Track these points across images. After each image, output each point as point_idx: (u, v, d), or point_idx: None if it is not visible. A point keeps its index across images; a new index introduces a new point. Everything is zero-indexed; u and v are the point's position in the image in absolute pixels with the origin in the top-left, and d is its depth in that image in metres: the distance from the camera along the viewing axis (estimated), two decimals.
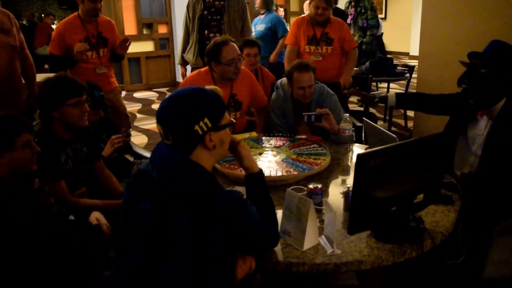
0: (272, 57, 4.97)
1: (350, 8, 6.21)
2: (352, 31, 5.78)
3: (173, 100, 1.35)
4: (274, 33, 5.02)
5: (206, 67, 2.87)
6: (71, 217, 1.91)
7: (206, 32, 3.96)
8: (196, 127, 1.31)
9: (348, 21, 6.10)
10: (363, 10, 5.98)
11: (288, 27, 4.87)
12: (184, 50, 4.19)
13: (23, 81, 3.01)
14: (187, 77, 3.08)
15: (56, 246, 1.68)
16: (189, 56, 4.06)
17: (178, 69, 8.09)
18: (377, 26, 6.15)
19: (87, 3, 3.24)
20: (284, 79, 2.89)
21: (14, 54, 2.77)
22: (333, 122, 2.57)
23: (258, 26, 5.14)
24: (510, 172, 2.11)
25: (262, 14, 5.21)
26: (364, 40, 5.89)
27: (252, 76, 3.05)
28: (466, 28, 3.64)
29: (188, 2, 4.06)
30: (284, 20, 5.26)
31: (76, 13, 3.37)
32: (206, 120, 1.32)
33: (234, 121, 1.70)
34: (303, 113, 2.61)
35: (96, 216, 1.93)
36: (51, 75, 4.72)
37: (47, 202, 1.82)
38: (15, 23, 2.79)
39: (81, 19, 3.31)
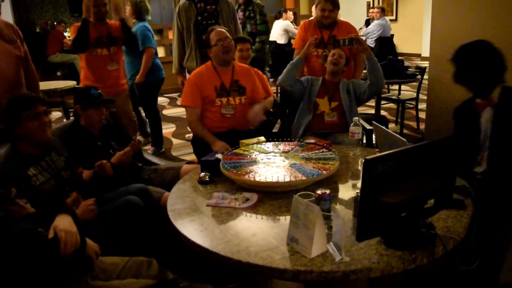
0: (138, 77, 4.39)
1: (238, 11, 5.34)
2: None
3: None
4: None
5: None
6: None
7: (204, 37, 3.98)
8: None
9: None
10: (252, 15, 5.28)
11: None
12: (181, 58, 4.20)
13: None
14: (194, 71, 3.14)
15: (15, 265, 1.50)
16: (191, 63, 4.07)
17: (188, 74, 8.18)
18: (266, 32, 5.42)
19: (92, 8, 3.64)
20: None
21: (19, 64, 2.83)
22: (363, 43, 3.18)
23: None
24: None
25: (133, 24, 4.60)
26: (253, 47, 4.85)
27: (253, 72, 3.22)
28: (476, 28, 3.58)
29: (178, 11, 4.07)
30: (150, 33, 4.50)
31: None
32: None
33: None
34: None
35: (56, 226, 1.58)
36: (64, 82, 4.79)
37: (19, 215, 1.70)
38: (18, 35, 2.86)
39: (93, 24, 3.71)
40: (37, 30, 10.05)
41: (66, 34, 8.76)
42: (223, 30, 3.01)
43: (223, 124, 2.98)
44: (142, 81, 4.39)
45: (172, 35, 4.44)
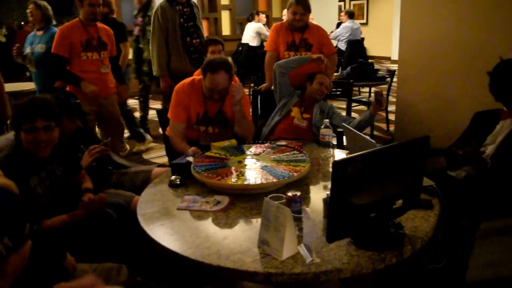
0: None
1: (137, 17, 5.10)
2: (141, 45, 5.01)
3: None
4: None
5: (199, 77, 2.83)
6: None
7: (188, 39, 4.08)
8: None
9: (136, 32, 5.07)
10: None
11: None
12: (164, 59, 4.12)
13: None
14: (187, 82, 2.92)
15: None
16: (180, 65, 4.07)
17: None
18: None
19: (86, 7, 3.43)
20: None
21: None
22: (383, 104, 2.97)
23: (36, 46, 3.99)
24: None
25: (39, 30, 4.07)
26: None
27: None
28: (443, 32, 3.68)
29: (161, 11, 4.03)
30: None
31: (77, 18, 3.54)
32: None
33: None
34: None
35: None
36: (32, 84, 4.51)
37: None
38: None
39: (82, 23, 3.49)
40: (4, 31, 9.77)
41: None
42: (220, 82, 2.65)
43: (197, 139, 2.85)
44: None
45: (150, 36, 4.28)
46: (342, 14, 8.74)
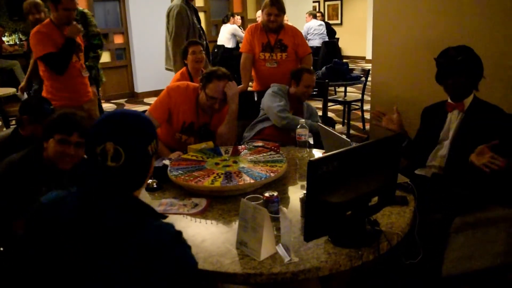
0: None
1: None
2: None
3: (128, 117, 1.23)
4: None
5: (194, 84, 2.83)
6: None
7: (200, 40, 4.29)
8: (149, 148, 1.23)
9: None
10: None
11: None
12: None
13: None
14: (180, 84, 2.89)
15: None
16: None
17: (137, 79, 8.04)
18: (101, 46, 4.60)
19: (62, 12, 3.28)
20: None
21: None
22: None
23: None
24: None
25: None
26: (87, 63, 4.09)
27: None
28: (414, 33, 3.74)
29: (182, 12, 4.31)
30: None
31: (48, 20, 3.38)
32: (154, 141, 1.25)
33: None
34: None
35: None
36: (3, 90, 4.34)
37: None
38: None
39: (55, 25, 3.33)
40: None
41: (4, 39, 8.34)
42: (220, 90, 2.65)
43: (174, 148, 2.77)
44: None
45: (169, 35, 4.50)
46: (306, 15, 9.16)
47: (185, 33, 4.38)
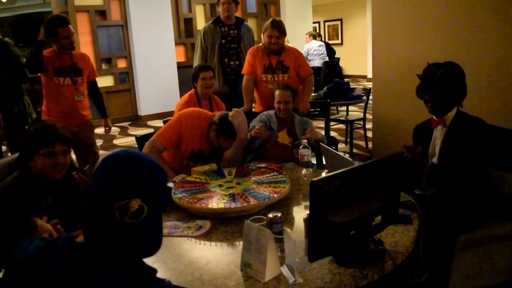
0: None
1: None
2: None
3: (147, 168, 1.11)
4: None
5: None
6: None
7: (226, 60, 4.26)
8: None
9: None
10: None
11: None
12: None
13: None
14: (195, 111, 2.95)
15: None
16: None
17: (140, 102, 8.12)
18: (26, 79, 4.14)
19: (62, 40, 3.48)
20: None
21: None
22: (315, 134, 2.97)
23: None
24: (466, 180, 2.18)
25: None
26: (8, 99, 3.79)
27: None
28: (413, 51, 3.79)
29: (205, 31, 4.29)
30: None
31: (51, 49, 3.61)
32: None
33: None
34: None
35: None
36: None
37: None
38: None
39: (56, 52, 3.57)
40: None
41: None
42: (229, 146, 2.74)
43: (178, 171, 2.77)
44: None
45: (194, 54, 4.61)
46: (306, 36, 9.32)
47: (202, 53, 4.34)
